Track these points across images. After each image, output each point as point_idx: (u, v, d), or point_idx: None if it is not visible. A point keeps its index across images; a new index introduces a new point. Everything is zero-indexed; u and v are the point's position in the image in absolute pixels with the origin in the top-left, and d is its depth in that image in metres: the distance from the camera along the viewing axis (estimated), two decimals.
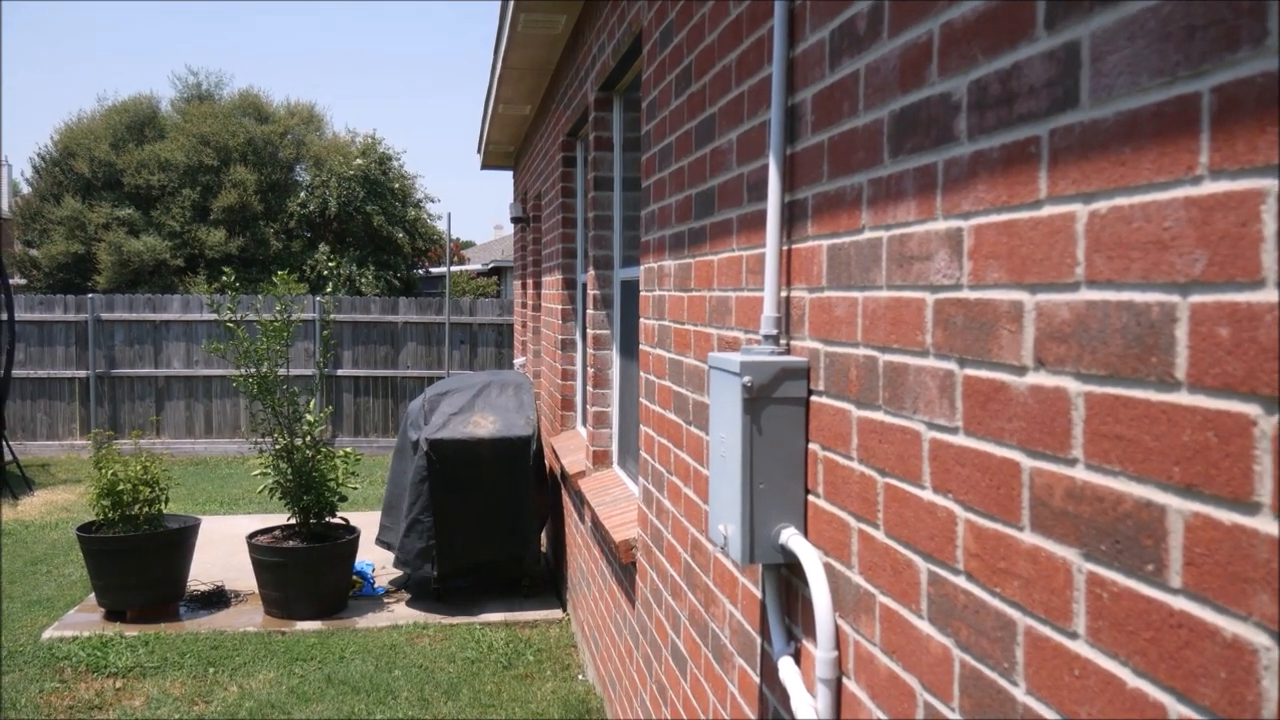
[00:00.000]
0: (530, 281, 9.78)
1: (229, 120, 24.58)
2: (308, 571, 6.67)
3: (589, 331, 5.66)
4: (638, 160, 5.34)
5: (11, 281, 23.03)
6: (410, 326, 14.35)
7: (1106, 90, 1.22)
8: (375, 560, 7.60)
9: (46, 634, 6.46)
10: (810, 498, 2.20)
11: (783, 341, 2.34)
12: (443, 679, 5.73)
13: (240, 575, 7.60)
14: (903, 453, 1.76)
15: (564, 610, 6.89)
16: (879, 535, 1.85)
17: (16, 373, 13.28)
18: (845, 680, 1.99)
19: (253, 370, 6.77)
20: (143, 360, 14.01)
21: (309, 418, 6.95)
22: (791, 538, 2.17)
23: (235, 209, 23.34)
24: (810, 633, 2.18)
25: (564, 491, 6.92)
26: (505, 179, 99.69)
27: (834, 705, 2.00)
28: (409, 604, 7.04)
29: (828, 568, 2.08)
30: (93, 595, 7.13)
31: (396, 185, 25.28)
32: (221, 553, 8.16)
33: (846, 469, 2.00)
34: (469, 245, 43.66)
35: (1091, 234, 1.25)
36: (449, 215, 13.77)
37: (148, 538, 6.64)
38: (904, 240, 1.77)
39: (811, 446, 2.19)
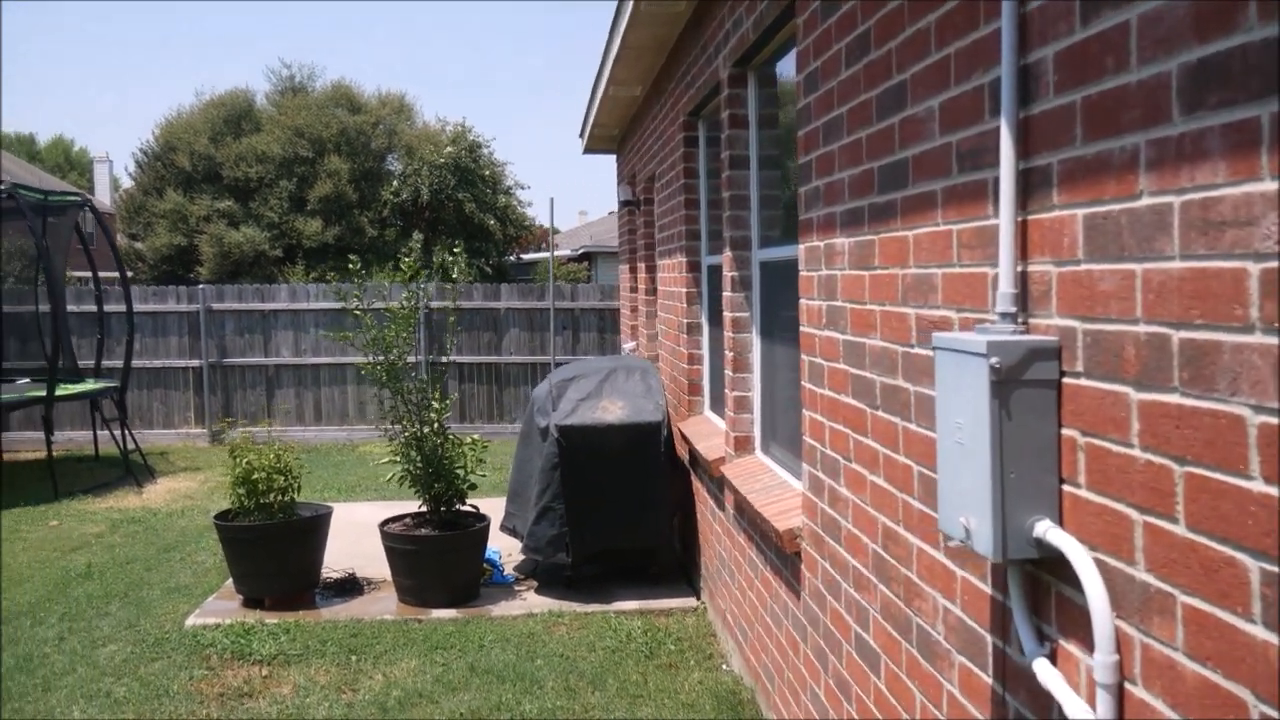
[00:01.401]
0: (642, 265, 9.68)
1: (322, 112, 24.95)
2: (441, 559, 6.67)
3: (726, 314, 5.53)
4: (774, 138, 5.19)
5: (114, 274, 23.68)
6: (513, 312, 14.36)
7: None
8: (501, 547, 7.58)
9: (189, 621, 6.56)
10: (1066, 488, 2.05)
11: (1020, 320, 2.18)
12: (586, 669, 5.68)
13: (369, 562, 7.64)
14: (1214, 439, 1.60)
15: (697, 598, 6.79)
16: (1177, 529, 1.69)
17: (133, 363, 13.57)
18: (1129, 686, 1.84)
19: (380, 358, 6.77)
20: (252, 349, 14.25)
21: (435, 405, 6.94)
22: (1049, 531, 2.02)
23: (330, 199, 23.72)
24: (1072, 633, 2.03)
25: (695, 477, 6.82)
26: (588, 165, 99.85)
27: (1117, 711, 1.85)
28: (539, 591, 7.00)
29: (1099, 564, 1.92)
30: (229, 583, 7.22)
31: (487, 172, 25.44)
32: (347, 540, 8.21)
33: (1123, 457, 1.84)
34: (555, 232, 43.86)
35: None
36: (551, 201, 13.78)
37: (283, 526, 6.69)
38: (1208, 205, 1.61)
39: (1066, 432, 2.04)
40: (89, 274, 13.82)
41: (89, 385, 11.68)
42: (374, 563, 7.61)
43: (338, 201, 24.08)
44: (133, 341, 12.32)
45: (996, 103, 2.28)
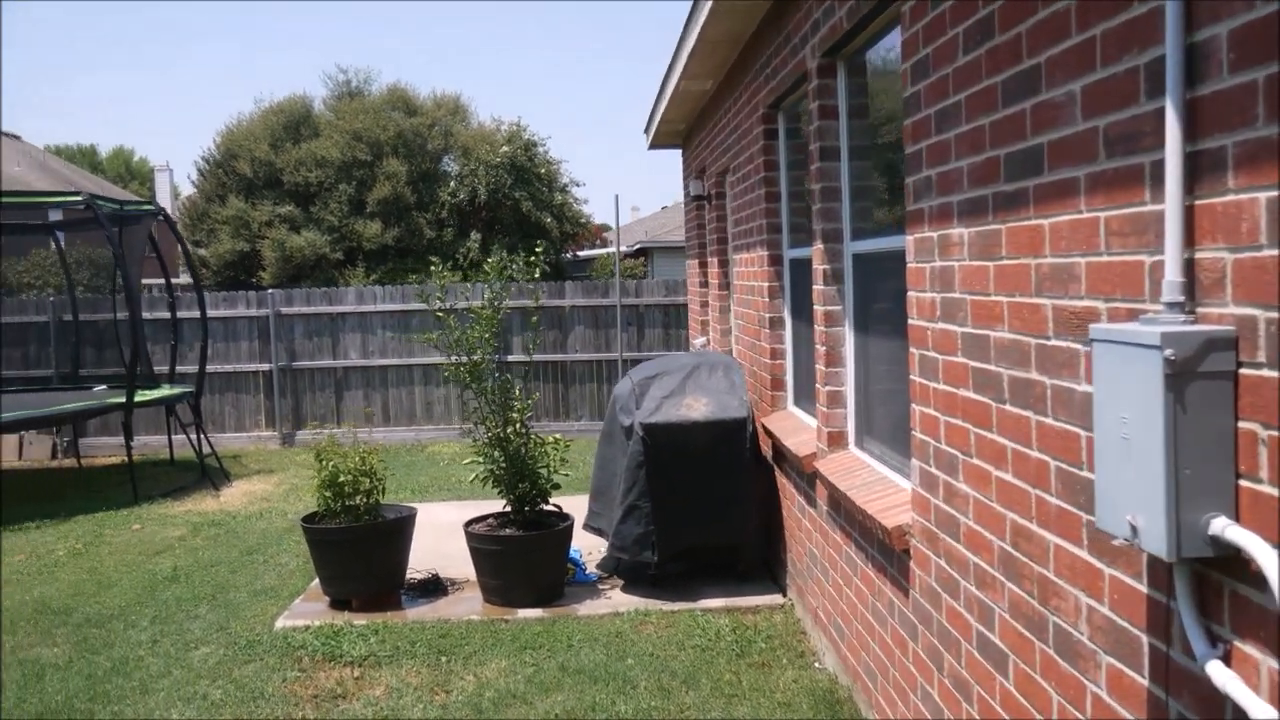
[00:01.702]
0: (714, 260, 9.61)
1: (379, 115, 25.09)
2: (526, 559, 6.66)
3: (817, 308, 5.45)
4: (865, 127, 5.11)
5: (183, 280, 24.07)
6: (577, 310, 14.36)
7: None
8: (582, 545, 7.56)
9: (279, 623, 6.61)
10: (1244, 483, 1.97)
11: (1188, 309, 2.10)
12: (678, 668, 5.63)
13: (450, 562, 7.66)
14: None
15: (783, 595, 6.72)
16: None
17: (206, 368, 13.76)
18: None
19: (463, 359, 6.78)
20: (321, 352, 14.38)
21: (517, 405, 6.93)
22: (1227, 528, 1.94)
23: (389, 201, 23.85)
24: (1250, 634, 1.94)
25: (779, 473, 6.75)
26: (639, 160, 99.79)
27: None
28: (624, 590, 6.98)
29: None
30: (314, 584, 7.28)
31: (543, 171, 25.45)
32: (427, 540, 8.23)
33: None
34: (606, 228, 43.79)
35: None
36: (616, 198, 13.79)
37: (369, 528, 6.72)
38: None
39: (1245, 425, 1.95)
40: (159, 280, 14.04)
41: (165, 391, 11.85)
42: (455, 563, 7.63)
43: (396, 203, 24.21)
44: (206, 347, 12.47)
45: (1156, 84, 2.20)
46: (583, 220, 27.14)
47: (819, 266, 5.39)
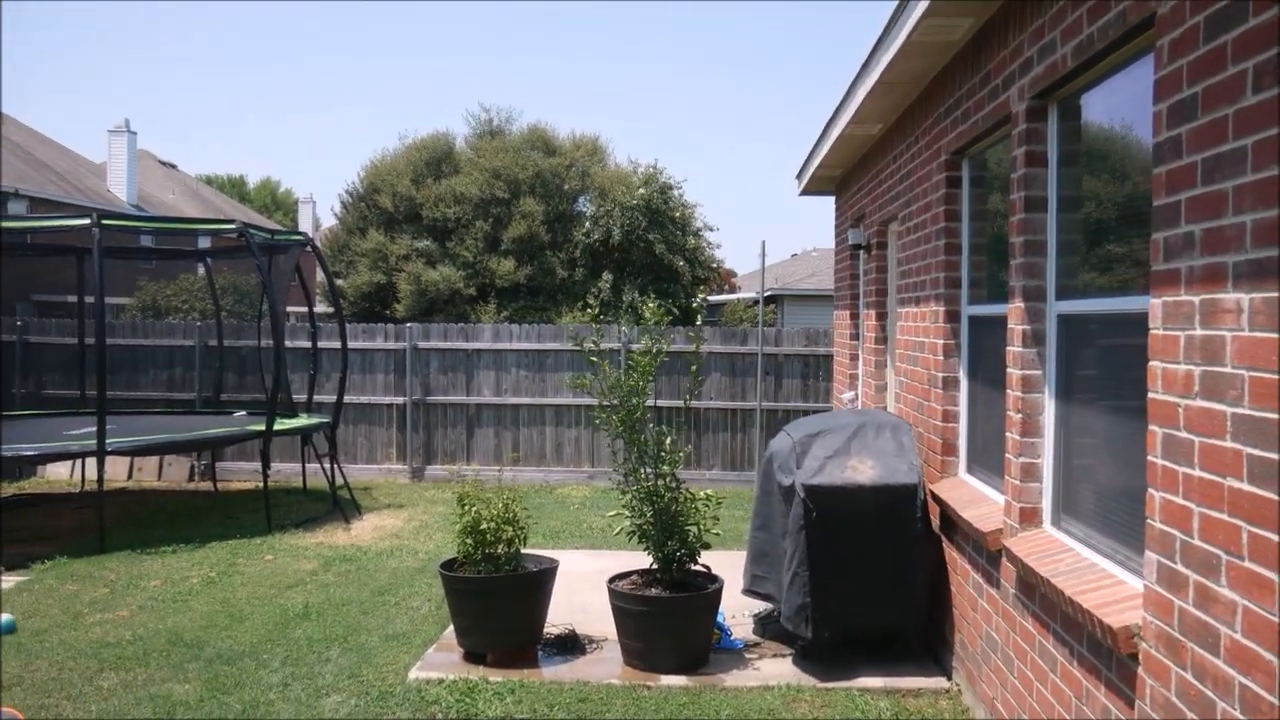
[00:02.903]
0: (872, 312, 9.15)
1: (518, 154, 25.31)
2: (673, 622, 6.28)
3: (1012, 372, 4.98)
4: (1076, 176, 4.65)
5: (320, 310, 24.54)
6: (714, 357, 14.01)
7: None
8: (724, 608, 7.14)
9: (412, 674, 6.34)
10: None
11: None
12: None
13: (586, 618, 7.33)
14: None
15: (948, 678, 6.19)
16: None
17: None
18: None
19: (615, 404, 6.46)
20: (455, 388, 14.31)
21: (666, 457, 6.58)
22: None
23: (524, 239, 23.95)
24: None
25: (949, 545, 6.25)
26: (766, 206, 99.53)
27: None
28: (772, 659, 6.53)
29: None
30: (447, 632, 7.02)
31: (677, 214, 25.27)
32: (561, 592, 7.89)
33: None
34: (733, 274, 43.46)
35: None
36: (763, 244, 13.50)
37: (511, 579, 6.44)
38: None
39: None
40: (301, 308, 14.17)
41: (304, 420, 11.86)
42: (591, 618, 7.30)
43: (530, 242, 24.30)
44: (345, 378, 12.48)
45: None
46: (714, 265, 26.84)
47: (1016, 326, 4.92)
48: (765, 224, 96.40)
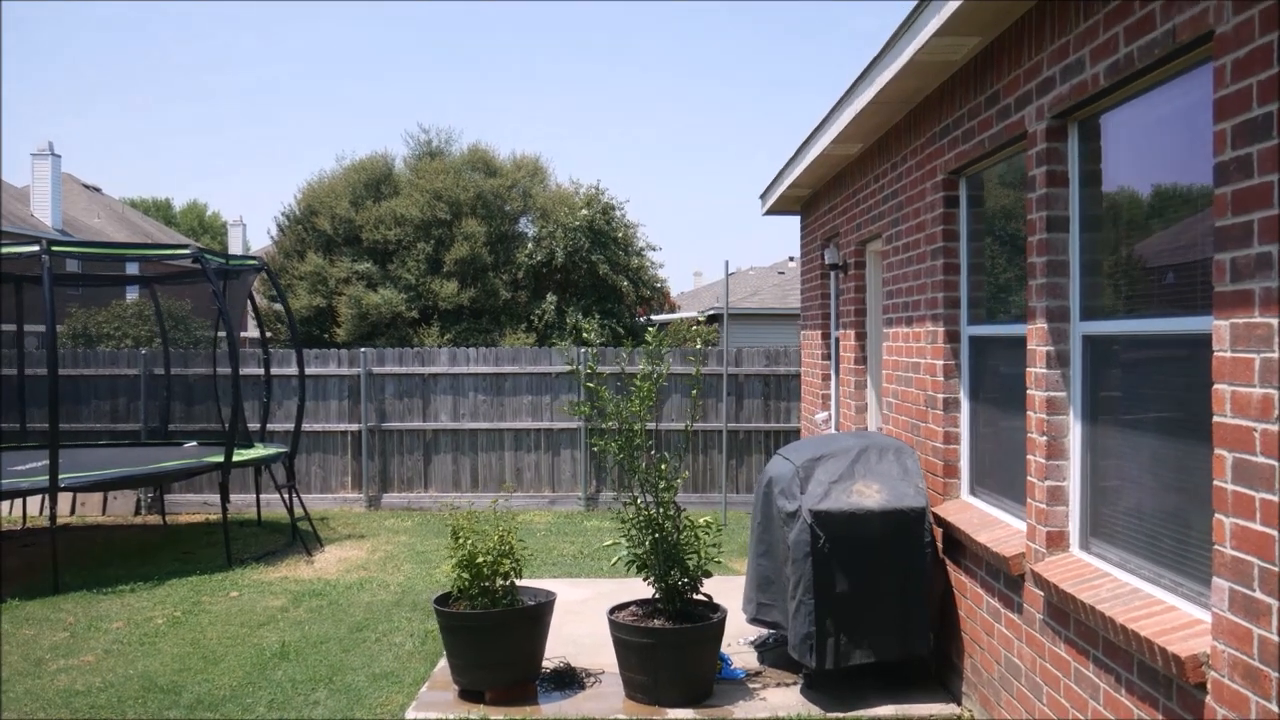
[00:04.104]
0: (851, 332, 9.11)
1: (459, 175, 25.03)
2: (678, 654, 6.13)
3: (1035, 394, 4.93)
4: (1098, 195, 4.63)
5: (251, 335, 23.94)
6: (674, 378, 13.89)
7: None
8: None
9: (409, 715, 6.10)
10: None
11: None
12: None
13: (579, 649, 7.15)
14: None
15: (958, 704, 6.12)
16: None
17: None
18: None
19: (613, 429, 6.31)
20: (411, 414, 14.03)
21: (663, 483, 6.44)
22: None
23: (466, 261, 23.66)
24: None
25: (957, 569, 6.18)
26: (700, 224, 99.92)
27: None
28: (777, 689, 6.41)
29: None
30: (438, 669, 6.81)
31: (620, 234, 25.17)
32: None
33: None
34: (688, 296, 43.43)
35: None
36: (726, 263, 13.24)
37: (512, 614, 6.24)
38: None
39: None
40: (252, 334, 13.79)
41: (261, 450, 11.50)
42: (584, 649, 7.14)
43: (473, 264, 24.01)
44: (303, 405, 12.15)
45: None
46: (659, 284, 26.78)
47: (1038, 348, 4.88)
48: (703, 243, 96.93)
